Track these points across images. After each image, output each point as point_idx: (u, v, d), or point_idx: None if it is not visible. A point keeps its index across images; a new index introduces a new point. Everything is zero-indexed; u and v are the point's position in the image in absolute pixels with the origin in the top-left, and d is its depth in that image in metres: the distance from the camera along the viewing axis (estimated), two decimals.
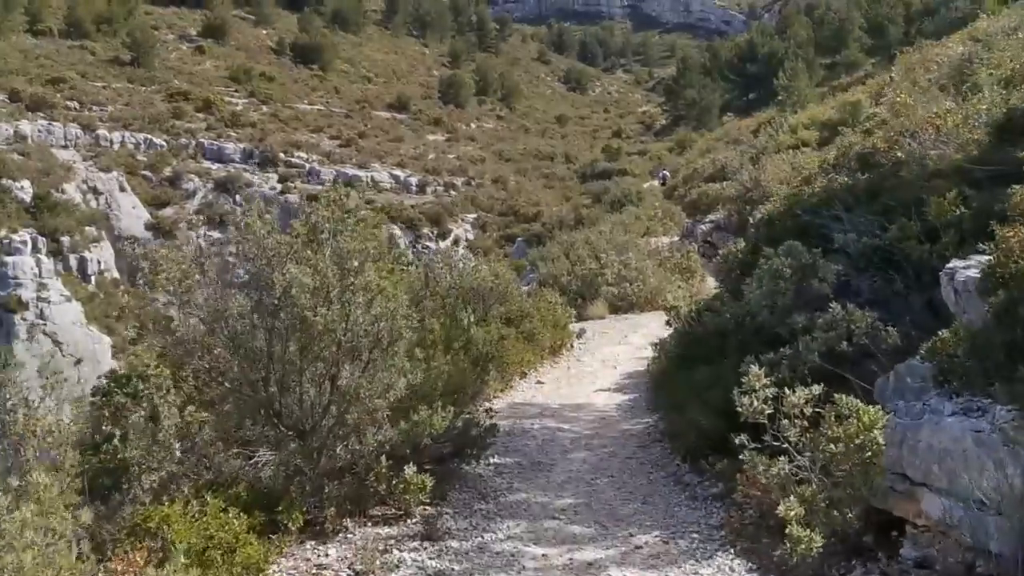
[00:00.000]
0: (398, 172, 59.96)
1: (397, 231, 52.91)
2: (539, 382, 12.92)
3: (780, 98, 43.96)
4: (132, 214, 48.15)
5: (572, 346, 14.74)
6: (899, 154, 10.57)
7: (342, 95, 76.91)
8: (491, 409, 10.03)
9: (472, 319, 10.41)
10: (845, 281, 7.93)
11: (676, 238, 20.85)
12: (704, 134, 60.73)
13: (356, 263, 6.48)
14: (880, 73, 40.29)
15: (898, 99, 14.03)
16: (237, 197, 53.98)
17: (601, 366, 14.01)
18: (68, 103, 54.61)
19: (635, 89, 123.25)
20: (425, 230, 53.80)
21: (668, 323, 13.16)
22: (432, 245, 53.43)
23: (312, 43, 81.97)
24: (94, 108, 55.82)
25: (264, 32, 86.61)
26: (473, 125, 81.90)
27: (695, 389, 8.32)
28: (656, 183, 45.24)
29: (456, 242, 54.59)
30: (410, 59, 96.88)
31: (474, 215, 57.35)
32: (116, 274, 43.48)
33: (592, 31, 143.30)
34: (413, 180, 59.50)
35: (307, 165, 57.99)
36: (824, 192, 10.71)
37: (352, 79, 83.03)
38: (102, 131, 52.85)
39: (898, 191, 9.31)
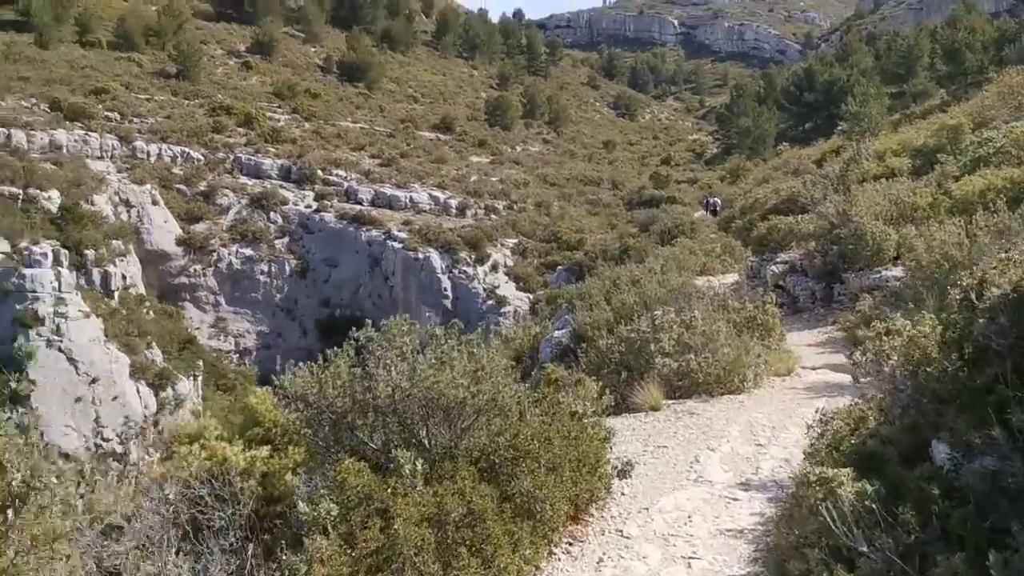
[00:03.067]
0: (438, 193, 58.13)
1: (434, 255, 51.06)
2: None
3: (845, 126, 41.43)
4: (163, 228, 46.77)
5: (609, 492, 7.73)
6: None
7: (387, 114, 75.72)
8: None
9: (415, 469, 5.59)
10: None
11: (738, 278, 18.07)
12: (758, 163, 58.30)
13: None
14: (956, 102, 37.79)
15: None
16: (271, 214, 52.66)
17: (663, 557, 6.71)
18: (108, 114, 53.65)
19: (686, 116, 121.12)
20: (463, 254, 51.69)
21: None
22: (469, 270, 51.53)
23: (359, 61, 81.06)
24: (134, 120, 54.83)
25: (312, 49, 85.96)
26: (519, 148, 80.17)
27: None
28: (706, 213, 42.89)
29: (495, 268, 52.65)
30: (457, 80, 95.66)
31: (514, 240, 55.20)
32: (142, 289, 42.03)
33: (643, 58, 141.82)
34: (453, 202, 57.60)
35: (345, 184, 56.42)
36: None
37: (398, 99, 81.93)
38: (139, 143, 51.72)
39: None
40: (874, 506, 3.99)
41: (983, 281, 4.26)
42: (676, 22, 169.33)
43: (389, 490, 5.08)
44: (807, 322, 16.52)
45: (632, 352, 11.04)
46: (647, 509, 7.43)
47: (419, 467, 5.38)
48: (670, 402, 10.52)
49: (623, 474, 7.71)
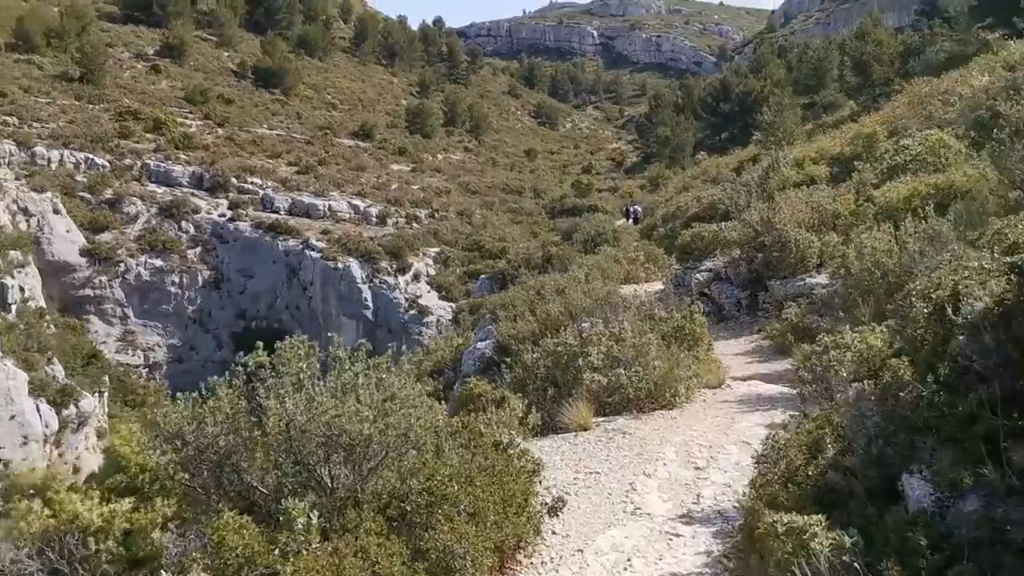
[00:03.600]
0: (358, 202, 56.99)
1: (354, 264, 49.93)
2: None
3: (760, 135, 41.87)
4: (66, 238, 44.57)
5: (539, 534, 6.83)
6: None
7: (304, 121, 74.15)
8: None
9: (310, 523, 4.73)
10: None
11: (663, 286, 17.63)
12: (678, 171, 58.78)
13: None
14: (865, 112, 38.52)
15: None
16: (183, 223, 50.82)
17: None
18: (6, 118, 51.08)
19: (606, 126, 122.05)
20: (384, 263, 50.69)
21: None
22: (391, 280, 50.57)
23: (275, 67, 79.17)
24: (34, 124, 52.30)
25: (226, 54, 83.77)
26: (440, 156, 79.46)
27: None
28: (627, 221, 42.86)
29: (416, 277, 51.81)
30: (377, 87, 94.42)
31: (436, 249, 54.41)
32: (43, 302, 39.89)
33: (564, 67, 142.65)
34: (373, 211, 56.53)
35: (261, 191, 54.84)
36: None
37: (316, 105, 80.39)
38: (40, 148, 49.32)
39: None
40: (855, 563, 3.46)
41: (957, 293, 3.79)
42: (595, 32, 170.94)
43: (277, 550, 4.31)
44: (733, 330, 16.26)
45: (559, 367, 10.35)
46: (581, 551, 6.55)
47: (314, 520, 4.56)
48: (600, 420, 9.85)
49: (554, 511, 6.80)
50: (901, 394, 4.05)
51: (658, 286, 19.79)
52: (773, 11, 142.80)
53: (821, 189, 19.47)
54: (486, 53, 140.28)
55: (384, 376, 5.19)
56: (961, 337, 3.69)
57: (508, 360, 11.46)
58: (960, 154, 16.81)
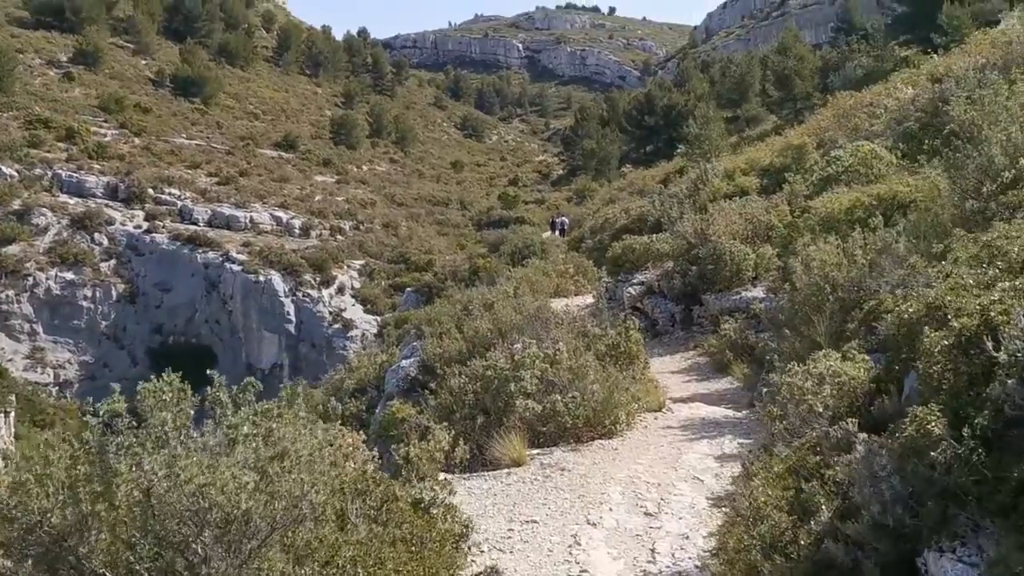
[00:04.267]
0: (280, 213, 55.49)
1: (276, 277, 48.42)
2: None
3: (685, 148, 41.82)
4: None
5: None
6: None
7: (225, 131, 72.17)
8: None
9: None
10: None
11: (593, 300, 16.97)
12: (604, 184, 58.67)
13: None
14: (788, 126, 38.80)
15: None
16: (96, 235, 48.68)
17: None
18: None
19: (532, 138, 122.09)
20: (307, 276, 49.34)
21: None
22: (314, 293, 49.21)
23: (195, 75, 76.97)
24: None
25: (143, 62, 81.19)
26: (365, 167, 78.21)
27: None
28: (554, 233, 42.38)
29: (341, 290, 50.53)
30: (301, 97, 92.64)
31: (361, 261, 53.24)
32: None
33: (489, 80, 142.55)
34: (296, 222, 55.10)
35: (179, 203, 52.96)
36: None
37: (237, 115, 78.42)
38: None
39: None
40: None
41: (989, 322, 3.09)
42: (521, 46, 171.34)
43: None
44: (668, 346, 15.68)
45: (489, 392, 9.44)
46: None
47: None
48: (535, 452, 8.92)
49: None
50: (933, 453, 3.30)
51: (588, 299, 19.17)
52: (695, 27, 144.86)
53: (754, 200, 19.10)
54: (412, 65, 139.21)
55: (275, 426, 4.21)
56: (1010, 381, 2.99)
57: (432, 386, 10.54)
58: (891, 165, 16.57)
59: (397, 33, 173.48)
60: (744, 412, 9.98)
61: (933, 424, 3.47)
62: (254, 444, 3.91)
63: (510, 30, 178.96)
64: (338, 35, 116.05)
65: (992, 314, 3.22)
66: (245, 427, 3.98)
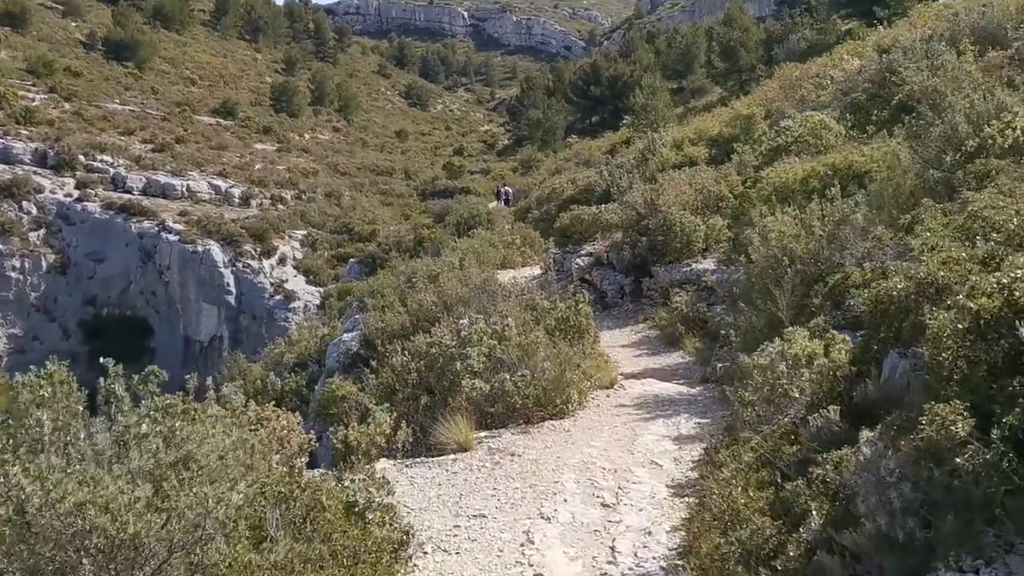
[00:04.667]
0: (219, 182, 53.98)
1: (215, 247, 47.11)
2: None
3: (631, 119, 41.55)
4: None
5: None
6: None
7: (160, 96, 69.91)
8: None
9: None
10: None
11: (541, 271, 16.52)
12: (550, 154, 58.27)
13: None
14: (733, 97, 38.74)
15: None
16: (24, 204, 46.82)
17: None
18: None
19: (477, 108, 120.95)
20: (247, 247, 48.08)
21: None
22: (255, 263, 48.05)
23: (128, 39, 74.37)
24: None
25: (74, 24, 78.30)
26: (307, 136, 76.61)
27: None
28: (500, 203, 41.91)
29: (282, 261, 49.43)
30: (240, 63, 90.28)
31: (303, 231, 52.11)
32: None
33: (434, 48, 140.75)
34: (236, 191, 53.67)
35: (112, 170, 51.15)
36: None
37: (173, 80, 76.09)
38: None
39: None
40: None
41: (1013, 304, 2.66)
42: (466, 14, 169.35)
43: None
44: (617, 319, 15.34)
45: (434, 371, 8.86)
46: None
47: None
48: (483, 436, 8.30)
49: None
50: (958, 459, 2.85)
51: (536, 271, 18.76)
52: None
53: (703, 171, 18.83)
54: (355, 31, 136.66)
55: (179, 424, 3.57)
56: None
57: (374, 364, 9.96)
58: (840, 136, 16.39)
59: None
60: (698, 388, 9.62)
61: (959, 425, 3.05)
62: (152, 447, 3.31)
63: None
64: (279, 0, 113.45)
65: (1017, 294, 2.80)
66: (143, 426, 3.38)
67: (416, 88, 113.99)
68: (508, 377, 8.29)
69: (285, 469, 4.46)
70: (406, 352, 9.25)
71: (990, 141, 7.36)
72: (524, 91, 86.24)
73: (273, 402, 14.39)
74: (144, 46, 74.99)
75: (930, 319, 3.28)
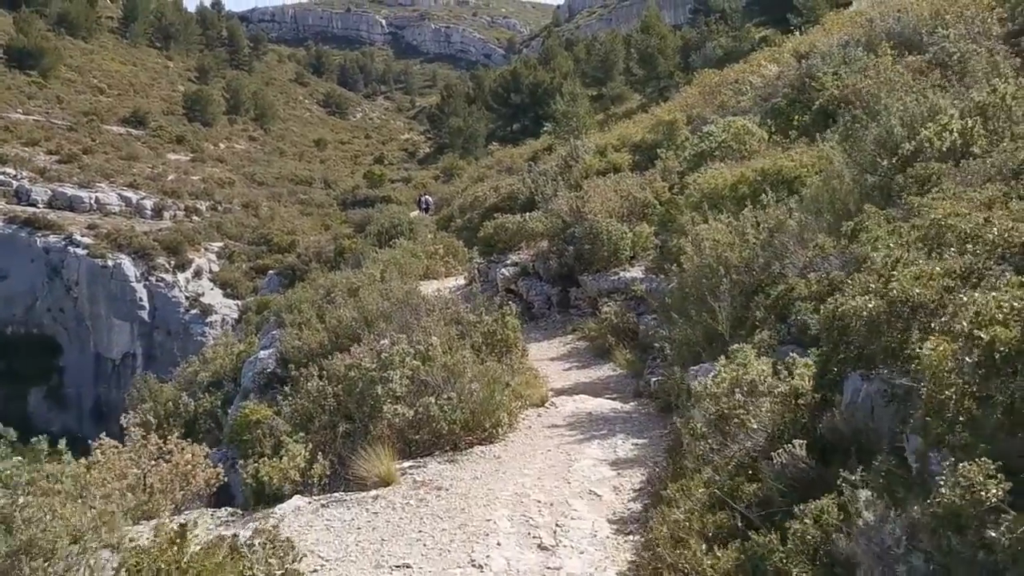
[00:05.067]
0: (130, 193, 52.13)
1: (126, 261, 45.38)
2: None
3: (552, 126, 41.39)
4: None
5: None
6: None
7: (66, 106, 67.37)
8: None
9: None
10: None
11: (465, 281, 15.97)
12: (471, 162, 57.90)
13: None
14: (652, 104, 38.92)
15: None
16: None
17: None
18: None
19: (397, 116, 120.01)
20: (160, 260, 46.47)
21: None
22: (169, 277, 46.44)
23: (31, 46, 71.48)
24: None
25: None
26: (222, 145, 74.72)
27: None
28: (421, 212, 41.34)
29: (198, 274, 47.91)
30: (150, 71, 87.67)
31: (220, 243, 50.65)
32: None
33: (352, 56, 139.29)
34: (148, 203, 51.91)
35: (15, 183, 48.99)
36: None
37: (79, 89, 73.41)
38: None
39: None
40: None
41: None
42: (384, 22, 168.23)
43: None
44: (545, 331, 14.93)
45: (353, 397, 8.16)
46: None
47: None
48: (407, 465, 7.65)
49: None
50: (992, 533, 2.41)
51: (460, 281, 18.27)
52: (558, 6, 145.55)
53: (628, 177, 18.62)
54: (270, 39, 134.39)
55: (22, 501, 2.82)
56: None
57: (286, 390, 9.29)
58: (763, 141, 16.32)
59: (254, 6, 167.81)
60: (632, 404, 9.23)
61: (992, 489, 2.59)
62: None
63: (373, 5, 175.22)
64: (190, 7, 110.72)
65: None
66: None
67: (335, 96, 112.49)
68: (433, 401, 7.70)
69: (175, 530, 3.83)
70: (323, 375, 8.61)
71: (927, 144, 7.16)
72: (444, 99, 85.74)
73: (183, 429, 13.53)
74: (48, 54, 72.21)
75: (926, 350, 2.88)
